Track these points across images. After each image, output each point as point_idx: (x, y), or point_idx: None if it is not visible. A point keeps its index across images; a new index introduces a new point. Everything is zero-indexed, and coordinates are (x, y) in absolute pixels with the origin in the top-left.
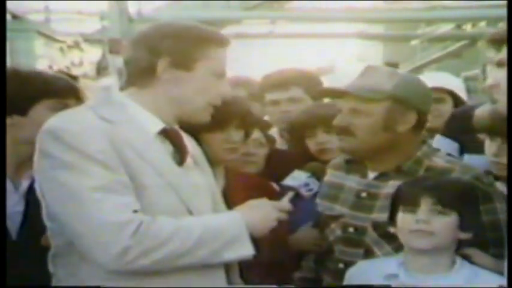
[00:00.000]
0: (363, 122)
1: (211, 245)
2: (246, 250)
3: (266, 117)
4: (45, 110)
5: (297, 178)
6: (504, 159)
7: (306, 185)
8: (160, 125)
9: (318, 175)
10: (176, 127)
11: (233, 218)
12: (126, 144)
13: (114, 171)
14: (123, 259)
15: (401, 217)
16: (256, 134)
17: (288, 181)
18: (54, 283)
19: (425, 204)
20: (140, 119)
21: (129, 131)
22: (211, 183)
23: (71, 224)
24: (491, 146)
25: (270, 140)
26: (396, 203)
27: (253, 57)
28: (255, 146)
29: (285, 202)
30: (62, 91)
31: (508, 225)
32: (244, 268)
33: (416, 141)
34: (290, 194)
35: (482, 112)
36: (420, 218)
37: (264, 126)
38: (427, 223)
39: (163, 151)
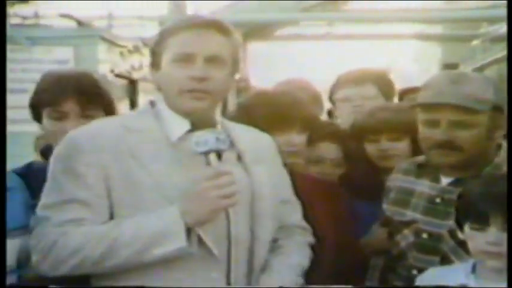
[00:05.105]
0: (469, 134)
1: (133, 245)
2: (178, 242)
3: (336, 115)
4: (45, 117)
5: (203, 141)
6: None
7: (217, 140)
8: (185, 127)
9: (203, 125)
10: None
11: (165, 212)
12: (133, 154)
13: (85, 188)
14: (41, 269)
15: (470, 233)
16: (332, 152)
17: (201, 148)
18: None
19: (496, 224)
20: (167, 125)
21: (143, 140)
22: (256, 180)
23: None
24: None
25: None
26: (462, 213)
27: (310, 59)
28: (332, 166)
29: (210, 168)
30: (55, 100)
31: (508, 225)
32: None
33: (495, 146)
34: (211, 157)
35: None
36: (491, 241)
37: (333, 136)
38: (499, 245)
39: (173, 161)
